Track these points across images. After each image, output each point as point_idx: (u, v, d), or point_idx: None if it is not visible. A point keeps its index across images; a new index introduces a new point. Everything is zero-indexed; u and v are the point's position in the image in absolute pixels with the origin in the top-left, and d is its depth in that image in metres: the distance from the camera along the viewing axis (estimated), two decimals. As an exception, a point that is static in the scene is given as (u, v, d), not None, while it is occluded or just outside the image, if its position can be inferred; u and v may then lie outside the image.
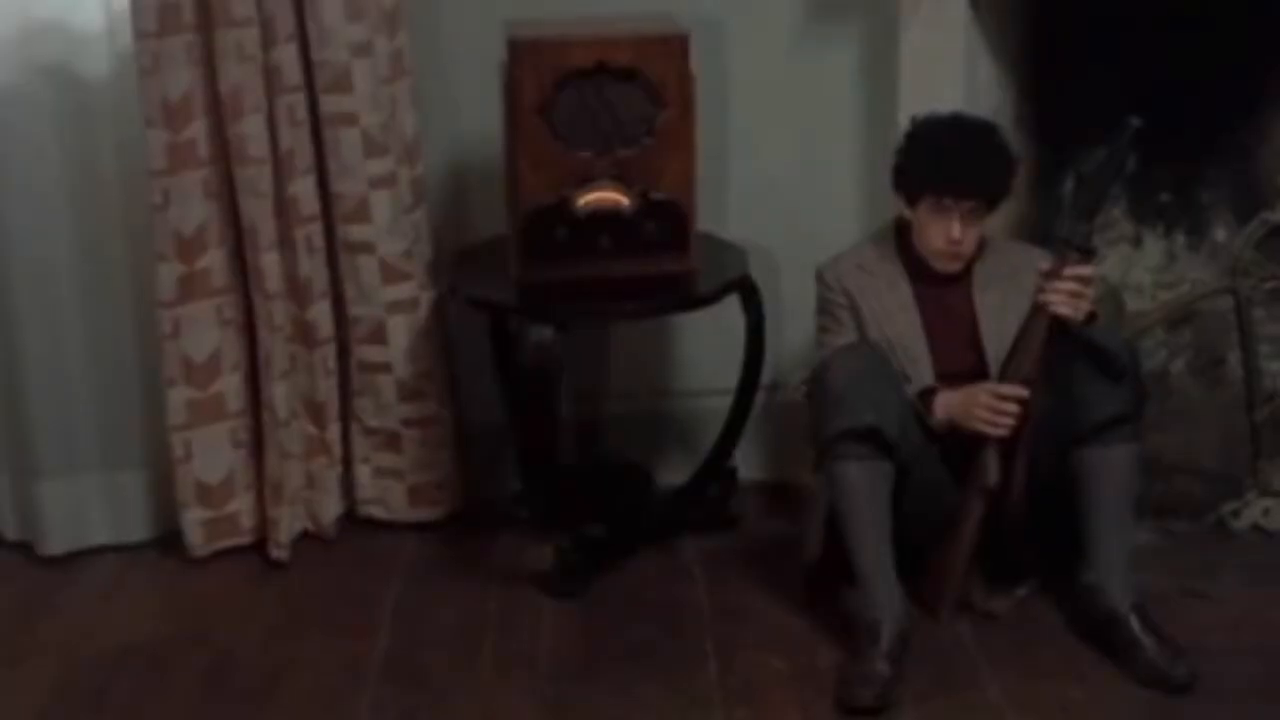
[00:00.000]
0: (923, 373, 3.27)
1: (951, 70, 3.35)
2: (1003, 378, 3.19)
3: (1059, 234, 3.20)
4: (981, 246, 3.31)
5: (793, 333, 3.75)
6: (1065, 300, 3.14)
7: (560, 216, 3.40)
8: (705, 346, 3.84)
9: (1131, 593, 3.18)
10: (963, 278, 3.32)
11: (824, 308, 3.37)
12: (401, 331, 3.63)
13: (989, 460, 3.19)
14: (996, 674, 3.14)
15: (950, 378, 3.26)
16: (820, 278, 3.37)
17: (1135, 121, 3.09)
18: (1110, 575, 3.19)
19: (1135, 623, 3.14)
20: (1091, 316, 3.20)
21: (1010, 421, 3.15)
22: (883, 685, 3.05)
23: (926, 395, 3.23)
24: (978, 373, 3.25)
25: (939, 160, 3.23)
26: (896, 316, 3.30)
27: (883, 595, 3.15)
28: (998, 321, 3.27)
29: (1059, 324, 3.15)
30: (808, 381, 3.31)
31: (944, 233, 3.25)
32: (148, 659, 3.29)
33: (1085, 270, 3.17)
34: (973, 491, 3.21)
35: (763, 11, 3.71)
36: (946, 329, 3.30)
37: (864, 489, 3.16)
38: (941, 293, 3.32)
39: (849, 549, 3.19)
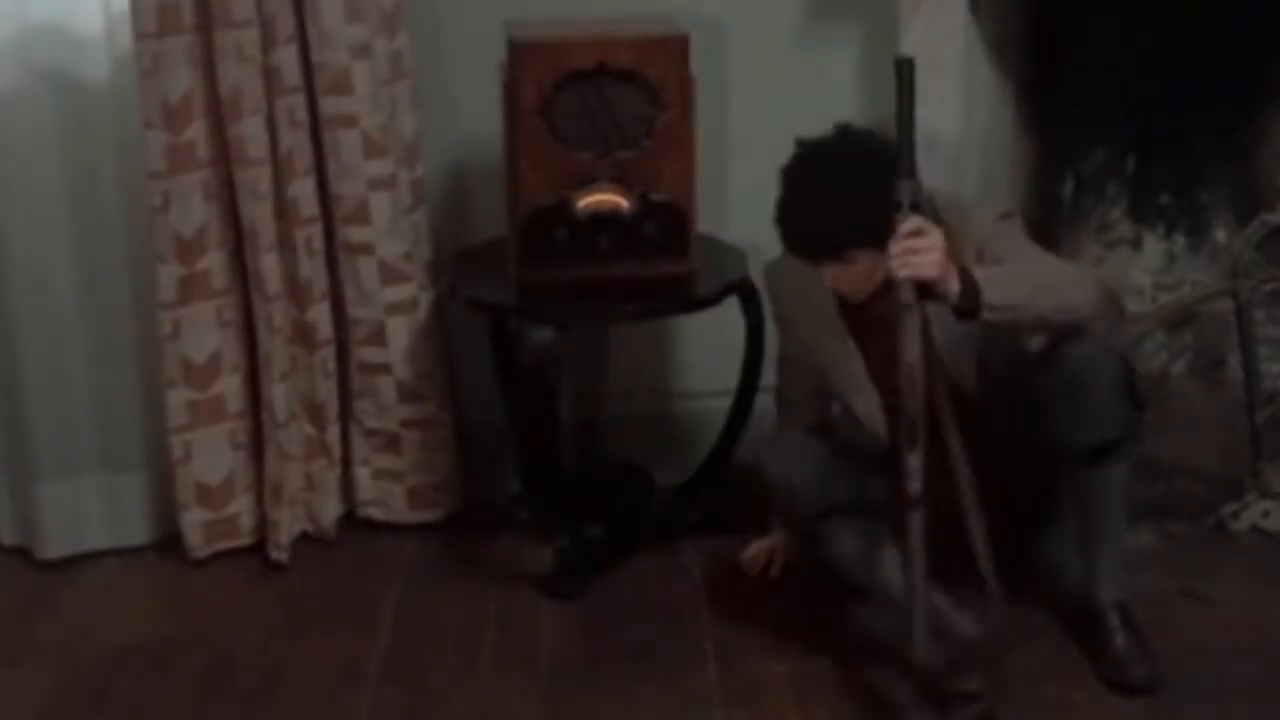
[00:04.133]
0: (865, 396, 3.16)
1: (951, 71, 3.35)
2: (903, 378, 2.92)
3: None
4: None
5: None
6: (902, 263, 2.82)
7: (560, 218, 3.40)
8: (705, 348, 3.84)
9: (1118, 589, 3.18)
10: (887, 285, 2.98)
11: (773, 311, 3.38)
12: (401, 333, 3.63)
13: (908, 469, 2.92)
14: (993, 677, 3.14)
15: (896, 392, 2.95)
16: (766, 281, 3.34)
17: (902, 58, 2.89)
18: (1099, 569, 3.18)
19: (1114, 618, 3.14)
20: (967, 283, 2.84)
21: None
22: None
23: None
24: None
25: (779, 216, 3.02)
26: (829, 345, 3.19)
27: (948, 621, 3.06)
28: (935, 322, 2.96)
29: (925, 292, 2.84)
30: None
31: (825, 276, 3.07)
32: (147, 660, 3.29)
33: (909, 224, 2.82)
34: (901, 507, 2.97)
35: (763, 13, 3.71)
36: (882, 342, 3.00)
37: (858, 558, 3.15)
38: (871, 305, 3.08)
39: (898, 603, 3.04)
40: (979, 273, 2.87)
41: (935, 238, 2.83)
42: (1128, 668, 3.10)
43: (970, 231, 3.00)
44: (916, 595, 2.94)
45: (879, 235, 2.87)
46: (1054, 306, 2.93)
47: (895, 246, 2.84)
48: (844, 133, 3.03)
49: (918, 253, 2.83)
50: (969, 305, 2.85)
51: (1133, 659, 3.11)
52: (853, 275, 3.03)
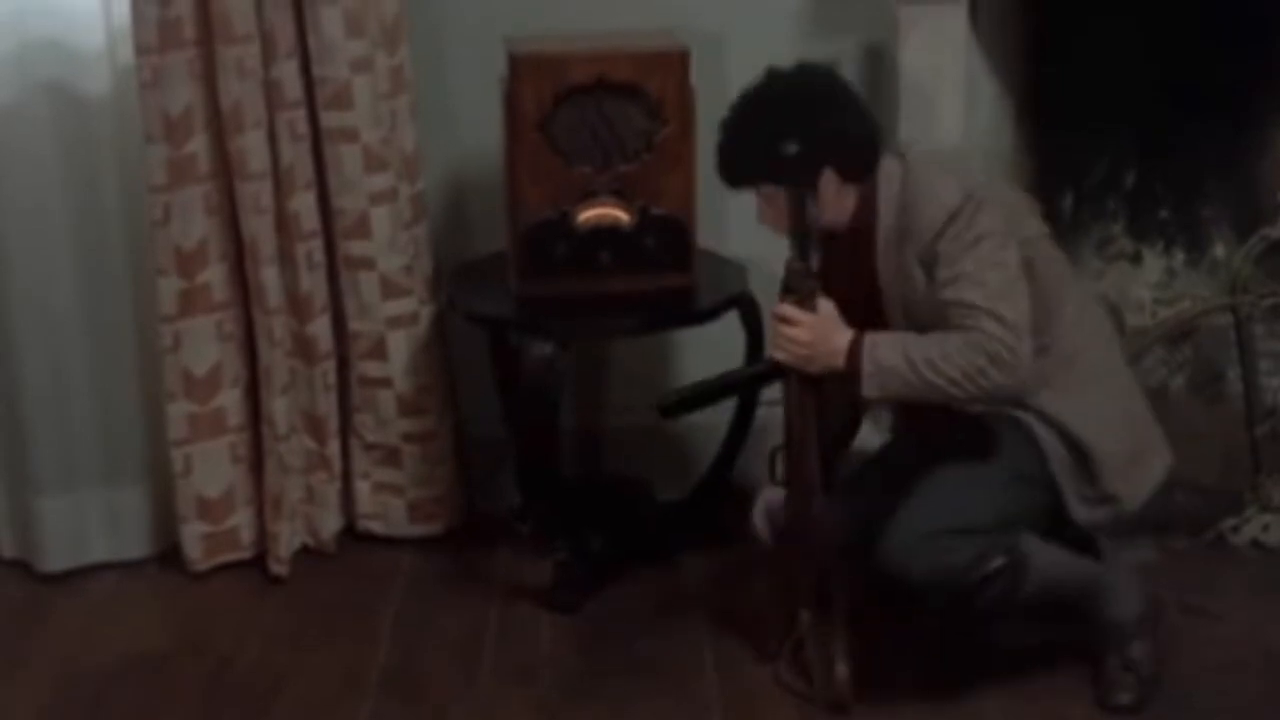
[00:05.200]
0: None
1: (951, 85, 3.35)
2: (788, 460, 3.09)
3: None
4: (893, 198, 3.02)
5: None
6: (773, 343, 3.03)
7: (560, 232, 3.41)
8: (705, 362, 3.83)
9: (1140, 603, 3.16)
10: (865, 236, 3.05)
11: None
12: (401, 347, 3.64)
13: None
14: (994, 693, 3.14)
15: None
16: None
17: (787, 147, 2.98)
18: (1123, 576, 3.17)
19: (1111, 638, 3.12)
20: (852, 359, 2.92)
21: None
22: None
23: None
24: None
25: (718, 140, 3.08)
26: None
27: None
28: (900, 287, 3.01)
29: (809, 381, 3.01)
30: None
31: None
32: (148, 673, 3.29)
33: (780, 310, 2.99)
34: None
35: (763, 27, 3.72)
36: (850, 294, 3.03)
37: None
38: (846, 253, 3.08)
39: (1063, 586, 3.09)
40: (873, 353, 2.90)
41: (800, 331, 2.96)
42: (1112, 692, 3.10)
43: (923, 223, 2.95)
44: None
45: (784, 176, 2.97)
46: (942, 392, 2.89)
47: (772, 325, 3.02)
48: (773, 75, 3.07)
49: (783, 337, 2.98)
50: (852, 381, 2.94)
51: (1121, 684, 3.10)
52: (772, 213, 3.06)
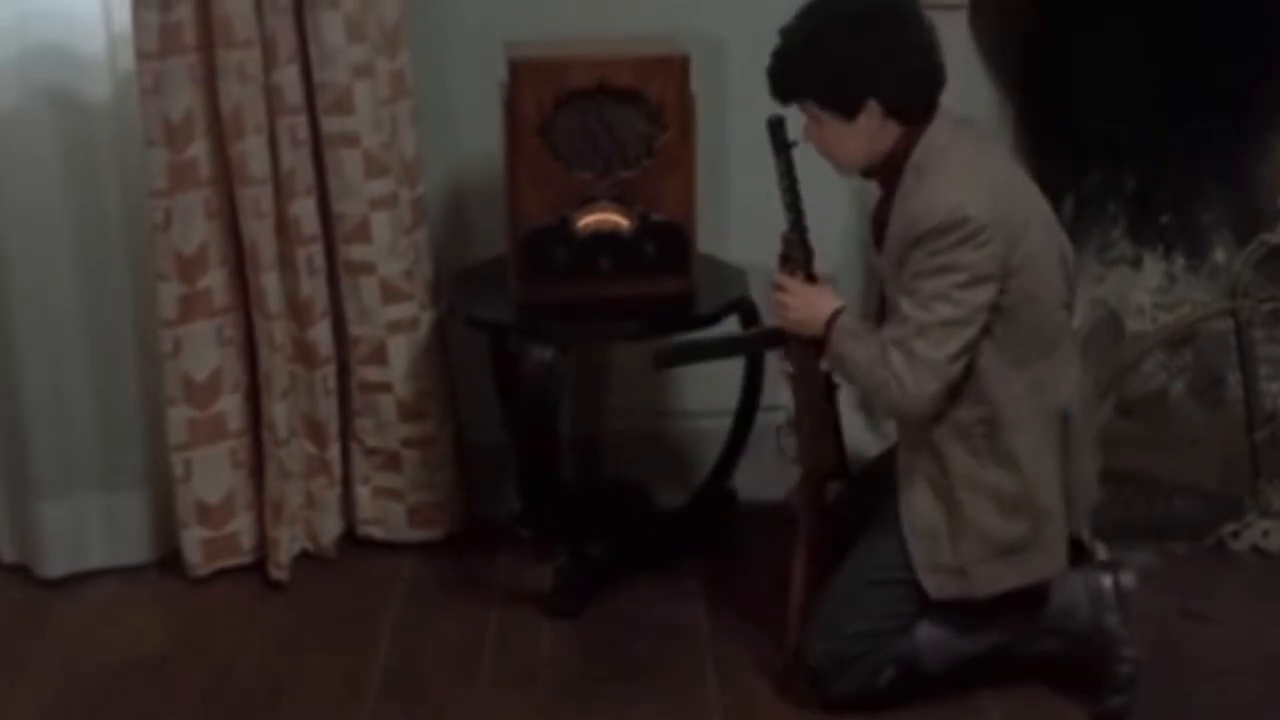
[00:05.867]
0: None
1: (950, 89, 3.34)
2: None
3: None
4: (920, 153, 2.96)
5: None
6: (772, 309, 3.17)
7: (560, 237, 3.41)
8: (705, 367, 3.83)
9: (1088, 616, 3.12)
10: (889, 179, 3.03)
11: None
12: (402, 351, 3.64)
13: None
14: (998, 700, 3.14)
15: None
16: None
17: (774, 118, 3.03)
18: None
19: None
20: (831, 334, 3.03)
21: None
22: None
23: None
24: None
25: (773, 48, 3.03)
26: None
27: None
28: (885, 242, 3.03)
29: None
30: None
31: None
32: (147, 678, 3.29)
33: (776, 278, 3.13)
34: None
35: (763, 32, 3.67)
36: (877, 242, 3.10)
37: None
38: (883, 201, 3.09)
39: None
40: (835, 335, 3.02)
41: (789, 298, 3.09)
42: (1103, 696, 3.09)
43: (917, 212, 2.90)
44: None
45: (825, 96, 2.96)
46: (865, 388, 3.11)
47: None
48: None
49: (778, 305, 3.11)
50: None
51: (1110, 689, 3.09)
52: (819, 136, 3.03)
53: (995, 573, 2.99)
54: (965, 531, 2.98)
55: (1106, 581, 3.07)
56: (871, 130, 2.96)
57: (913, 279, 2.89)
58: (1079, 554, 3.10)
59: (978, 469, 2.96)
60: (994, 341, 2.92)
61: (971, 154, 2.96)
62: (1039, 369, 2.96)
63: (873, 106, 2.94)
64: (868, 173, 3.07)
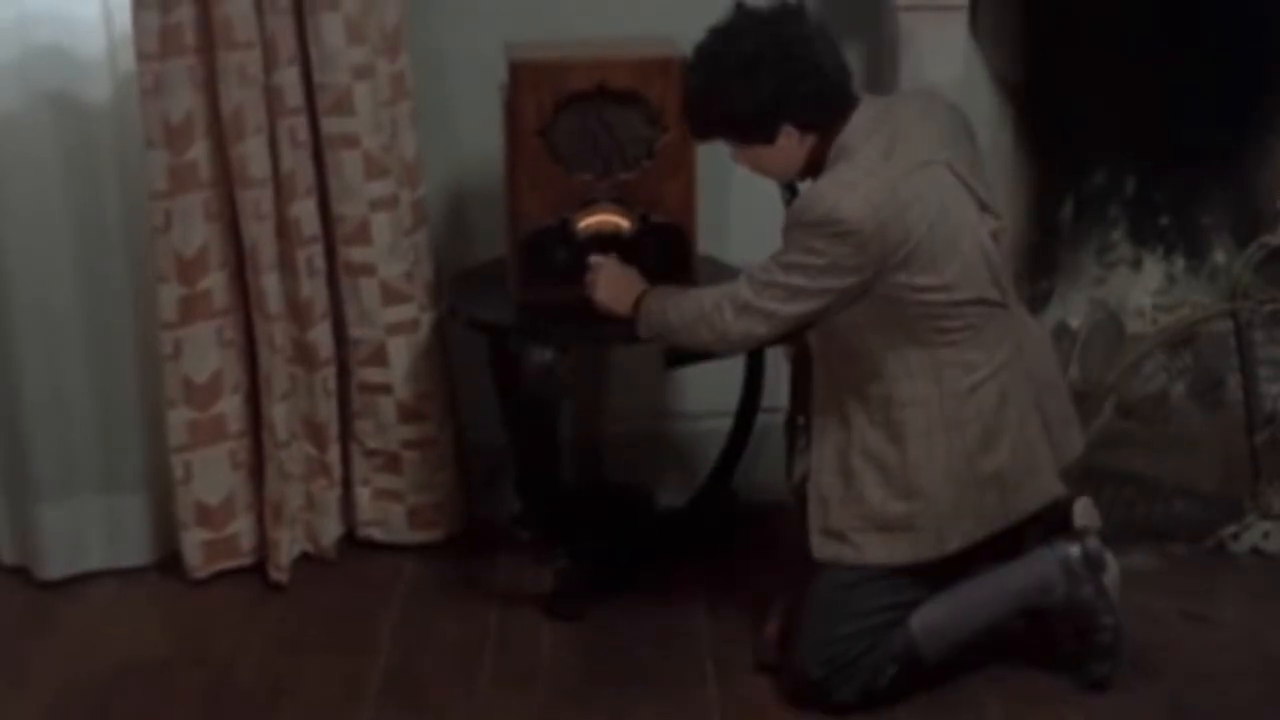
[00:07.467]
0: None
1: (951, 93, 3.34)
2: None
3: None
4: (835, 149, 3.04)
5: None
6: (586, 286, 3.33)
7: (560, 238, 3.41)
8: (705, 369, 3.83)
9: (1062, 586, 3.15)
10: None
11: None
12: (402, 353, 3.64)
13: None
14: (996, 696, 3.14)
15: None
16: None
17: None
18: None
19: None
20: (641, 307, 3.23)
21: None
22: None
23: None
24: None
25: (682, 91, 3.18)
26: None
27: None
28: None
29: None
30: None
31: None
32: (148, 680, 3.29)
33: (592, 258, 3.35)
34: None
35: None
36: None
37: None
38: None
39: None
40: (652, 296, 3.22)
41: (598, 277, 3.29)
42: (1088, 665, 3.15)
43: (804, 200, 3.03)
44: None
45: (740, 136, 3.07)
46: (691, 339, 3.19)
47: None
48: (735, 22, 3.05)
49: (588, 285, 3.30)
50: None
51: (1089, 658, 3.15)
52: (747, 160, 3.15)
53: (870, 544, 3.06)
54: (851, 500, 3.06)
55: (1075, 551, 3.12)
56: (793, 146, 3.07)
57: (780, 253, 3.02)
58: (1057, 519, 3.16)
59: (870, 438, 3.05)
60: (880, 322, 3.01)
61: (875, 159, 2.99)
62: (944, 353, 3.02)
63: (788, 129, 3.04)
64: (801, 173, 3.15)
